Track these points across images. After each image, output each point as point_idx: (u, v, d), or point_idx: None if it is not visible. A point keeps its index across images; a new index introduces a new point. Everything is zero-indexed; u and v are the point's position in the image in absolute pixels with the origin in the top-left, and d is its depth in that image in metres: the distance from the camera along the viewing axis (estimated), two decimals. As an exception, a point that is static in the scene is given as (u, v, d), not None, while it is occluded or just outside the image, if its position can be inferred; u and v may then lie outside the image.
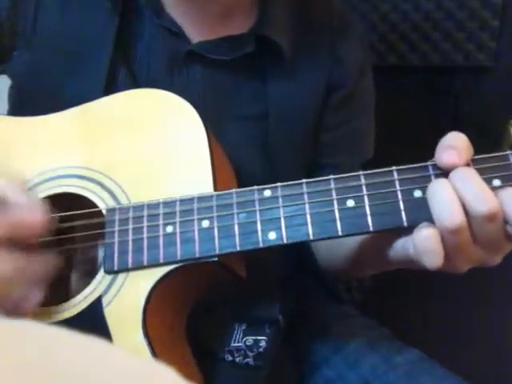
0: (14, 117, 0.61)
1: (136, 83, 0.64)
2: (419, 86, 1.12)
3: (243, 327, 0.60)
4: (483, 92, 1.09)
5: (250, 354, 0.57)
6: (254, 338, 0.58)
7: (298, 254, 0.75)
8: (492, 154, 0.45)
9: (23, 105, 0.68)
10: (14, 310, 0.46)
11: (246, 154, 0.67)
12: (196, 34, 0.66)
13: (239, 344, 0.58)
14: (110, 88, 0.62)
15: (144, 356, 0.49)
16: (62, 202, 0.55)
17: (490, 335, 1.10)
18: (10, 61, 0.68)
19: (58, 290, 0.58)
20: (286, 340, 0.64)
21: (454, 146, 0.44)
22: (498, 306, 1.09)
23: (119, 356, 0.23)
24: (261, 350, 0.58)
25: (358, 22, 0.77)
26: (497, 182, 0.44)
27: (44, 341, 0.22)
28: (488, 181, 0.44)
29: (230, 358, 0.58)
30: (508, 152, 0.44)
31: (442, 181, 0.44)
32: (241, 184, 0.56)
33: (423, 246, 0.44)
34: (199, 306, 0.59)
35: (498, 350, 1.10)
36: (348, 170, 0.73)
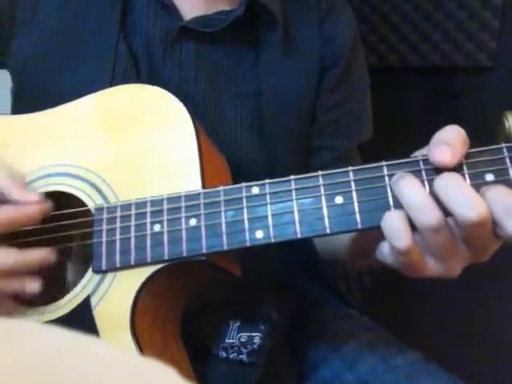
0: (6, 115, 0.59)
1: (136, 63, 0.62)
2: (419, 86, 1.09)
3: (238, 324, 0.57)
4: (483, 92, 1.05)
5: (244, 350, 0.55)
6: (248, 334, 0.56)
7: (299, 254, 0.71)
8: (486, 148, 0.41)
9: (24, 101, 0.65)
10: (15, 298, 0.50)
11: (242, 132, 0.64)
12: (189, 11, 0.63)
13: (233, 340, 0.56)
14: (114, 72, 0.61)
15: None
16: (53, 201, 0.53)
17: (489, 335, 1.06)
18: (8, 50, 0.65)
19: (54, 289, 0.56)
20: (285, 339, 0.62)
21: (448, 143, 0.40)
22: (497, 305, 1.06)
23: (120, 355, 0.21)
24: (255, 346, 0.55)
25: (346, 4, 0.74)
26: (490, 177, 0.40)
27: (44, 340, 0.21)
28: (481, 175, 0.40)
29: (224, 355, 0.56)
30: (502, 145, 0.41)
31: (407, 182, 0.41)
32: (237, 166, 0.53)
33: (388, 225, 0.40)
34: (194, 302, 0.56)
35: (498, 350, 1.06)
36: (346, 152, 0.72)
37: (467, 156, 0.41)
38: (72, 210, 0.53)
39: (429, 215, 0.39)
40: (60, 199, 0.54)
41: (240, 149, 0.63)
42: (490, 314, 1.05)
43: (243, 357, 0.55)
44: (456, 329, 1.05)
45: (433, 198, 0.40)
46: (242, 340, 0.56)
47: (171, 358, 0.52)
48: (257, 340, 0.55)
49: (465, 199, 0.38)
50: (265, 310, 0.58)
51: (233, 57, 0.65)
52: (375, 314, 0.73)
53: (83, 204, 0.52)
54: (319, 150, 0.71)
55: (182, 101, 0.52)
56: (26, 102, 0.65)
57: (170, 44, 0.62)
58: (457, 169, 0.40)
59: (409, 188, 0.40)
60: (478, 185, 0.40)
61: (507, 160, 0.40)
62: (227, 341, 0.56)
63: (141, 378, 0.20)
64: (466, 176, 0.40)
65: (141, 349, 0.47)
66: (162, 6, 0.62)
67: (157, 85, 0.54)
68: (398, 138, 0.95)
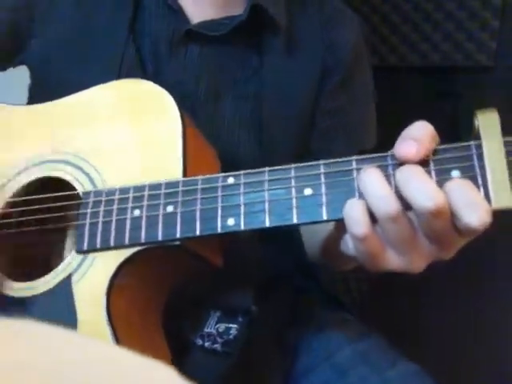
0: (8, 105, 0.61)
1: (142, 64, 0.63)
2: (419, 86, 1.08)
3: (218, 314, 0.58)
4: (483, 92, 1.04)
5: (220, 340, 0.56)
6: (226, 325, 0.57)
7: (296, 255, 0.70)
8: (454, 145, 0.41)
9: (39, 98, 0.65)
10: None
11: (241, 133, 0.65)
12: (197, 15, 0.64)
13: (211, 330, 0.57)
14: (120, 71, 0.62)
15: (104, 335, 0.47)
16: (49, 185, 0.56)
17: (487, 338, 1.05)
18: (28, 49, 0.67)
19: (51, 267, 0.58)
20: (278, 342, 0.62)
21: (415, 138, 0.40)
22: (495, 309, 1.04)
23: (117, 354, 0.22)
24: (231, 337, 0.56)
25: (352, 13, 0.73)
26: (456, 173, 0.40)
27: (43, 340, 0.22)
28: (447, 172, 0.40)
29: (201, 343, 0.57)
30: (471, 142, 0.41)
31: (369, 172, 0.41)
32: (235, 166, 0.54)
33: (347, 213, 0.41)
34: (178, 291, 0.57)
35: (496, 354, 1.05)
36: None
37: (435, 152, 0.41)
38: (62, 194, 0.55)
39: (387, 204, 0.39)
40: (55, 184, 0.56)
41: (238, 149, 0.64)
42: (489, 317, 1.04)
43: (217, 346, 0.56)
44: (454, 332, 1.04)
45: (394, 191, 0.40)
46: (220, 330, 0.57)
47: (150, 343, 0.53)
48: (233, 331, 0.56)
49: (422, 189, 0.38)
50: (245, 303, 0.59)
51: (236, 59, 0.65)
52: (372, 318, 0.72)
53: (74, 189, 0.54)
54: (318, 154, 0.69)
55: (182, 100, 0.54)
56: (40, 98, 0.66)
57: (175, 45, 0.63)
58: (423, 164, 0.40)
59: (369, 178, 0.41)
60: (443, 180, 0.40)
61: (474, 157, 0.40)
62: (206, 330, 0.57)
63: (141, 378, 0.20)
64: (432, 172, 0.40)
65: (113, 328, 0.48)
66: (169, 8, 0.63)
67: (160, 83, 0.55)
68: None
